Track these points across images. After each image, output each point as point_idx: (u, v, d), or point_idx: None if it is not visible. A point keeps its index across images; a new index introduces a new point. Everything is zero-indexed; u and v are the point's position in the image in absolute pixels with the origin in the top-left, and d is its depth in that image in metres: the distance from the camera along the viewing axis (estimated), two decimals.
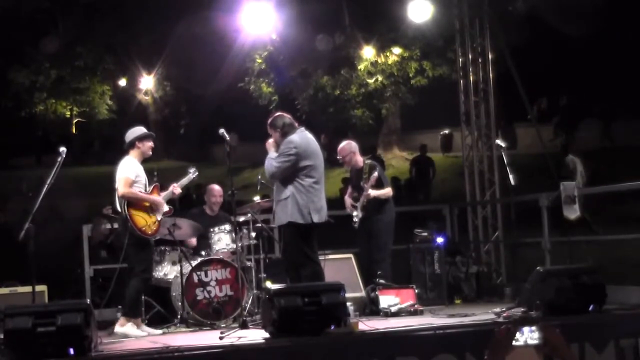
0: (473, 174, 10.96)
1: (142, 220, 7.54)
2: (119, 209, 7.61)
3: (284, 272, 7.71)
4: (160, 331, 7.64)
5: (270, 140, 7.52)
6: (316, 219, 7.29)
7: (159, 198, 7.76)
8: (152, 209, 7.67)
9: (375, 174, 8.73)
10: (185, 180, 8.23)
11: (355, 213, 8.86)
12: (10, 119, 26.63)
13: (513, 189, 9.34)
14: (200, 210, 9.42)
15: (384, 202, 8.86)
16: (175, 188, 8.00)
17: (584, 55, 21.89)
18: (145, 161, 7.86)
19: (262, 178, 8.32)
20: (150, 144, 7.82)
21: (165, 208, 7.80)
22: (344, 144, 9.12)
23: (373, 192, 8.74)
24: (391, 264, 8.84)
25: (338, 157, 9.13)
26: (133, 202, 7.54)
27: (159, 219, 7.71)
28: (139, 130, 7.85)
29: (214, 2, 17.90)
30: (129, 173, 7.57)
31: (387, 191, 8.87)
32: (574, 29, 18.40)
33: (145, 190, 7.71)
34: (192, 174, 8.32)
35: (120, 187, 7.53)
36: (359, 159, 9.05)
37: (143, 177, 7.72)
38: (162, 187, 7.91)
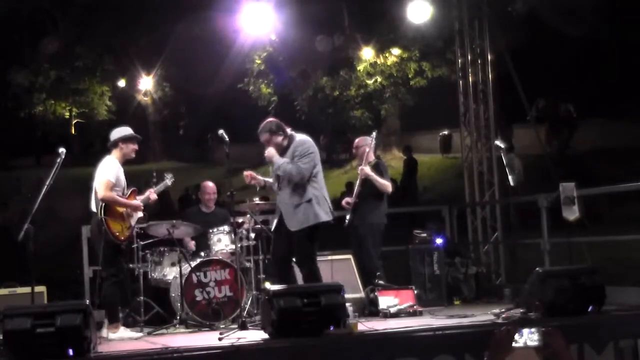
0: (472, 175, 10.96)
1: (117, 225, 7.41)
2: (93, 209, 7.45)
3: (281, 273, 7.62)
4: (139, 334, 7.55)
5: (271, 149, 7.37)
6: (331, 215, 7.40)
7: (138, 202, 7.65)
8: (127, 214, 7.55)
9: (376, 161, 8.86)
10: (161, 186, 8.17)
11: (347, 206, 8.89)
12: (10, 119, 26.66)
13: (512, 189, 9.36)
14: (197, 208, 9.45)
15: (376, 202, 8.82)
16: (152, 193, 7.89)
17: (583, 57, 21.90)
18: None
19: None
20: (134, 146, 7.65)
21: (140, 214, 7.72)
22: (364, 137, 9.24)
23: (367, 169, 8.75)
24: (384, 265, 8.83)
25: (353, 148, 9.14)
26: (110, 206, 7.39)
27: (132, 224, 7.62)
28: (125, 130, 7.69)
29: (214, 3, 17.90)
30: (110, 176, 7.40)
31: (382, 181, 8.81)
32: (574, 30, 18.40)
33: (123, 193, 7.58)
34: (169, 180, 8.27)
35: (101, 190, 7.35)
36: (371, 156, 9.04)
37: (122, 180, 7.57)
38: (140, 192, 7.82)
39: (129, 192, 7.63)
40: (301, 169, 7.23)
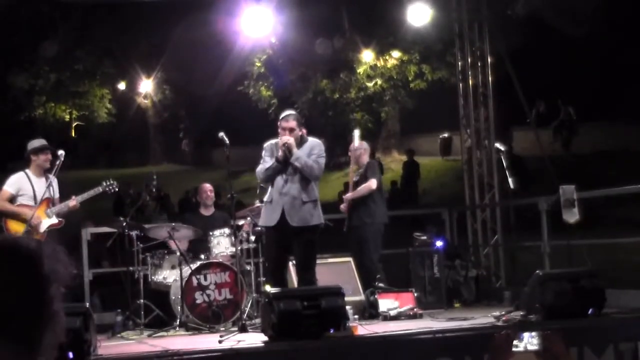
0: (472, 177, 10.94)
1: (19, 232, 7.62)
2: None
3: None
4: None
5: (292, 138, 7.13)
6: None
7: (29, 211, 7.70)
8: (32, 222, 7.69)
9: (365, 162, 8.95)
10: (91, 193, 8.16)
11: (344, 210, 8.93)
12: (10, 122, 26.67)
13: (512, 192, 9.36)
14: (195, 212, 9.43)
15: (372, 205, 8.82)
16: (72, 200, 7.96)
17: (583, 59, 21.92)
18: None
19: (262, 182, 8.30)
20: (45, 156, 7.88)
21: (53, 221, 7.82)
22: (362, 142, 9.31)
23: (348, 195, 8.88)
24: (384, 268, 8.82)
25: (349, 151, 9.17)
26: (10, 215, 7.68)
27: (41, 231, 7.72)
28: (35, 142, 7.99)
29: (213, 6, 17.93)
30: (8, 186, 7.77)
31: (364, 187, 8.77)
32: (573, 33, 18.42)
33: (36, 202, 7.74)
34: (102, 187, 8.25)
35: None
36: (365, 159, 9.09)
37: (30, 191, 7.77)
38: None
39: (41, 201, 7.79)
40: (321, 167, 7.24)
